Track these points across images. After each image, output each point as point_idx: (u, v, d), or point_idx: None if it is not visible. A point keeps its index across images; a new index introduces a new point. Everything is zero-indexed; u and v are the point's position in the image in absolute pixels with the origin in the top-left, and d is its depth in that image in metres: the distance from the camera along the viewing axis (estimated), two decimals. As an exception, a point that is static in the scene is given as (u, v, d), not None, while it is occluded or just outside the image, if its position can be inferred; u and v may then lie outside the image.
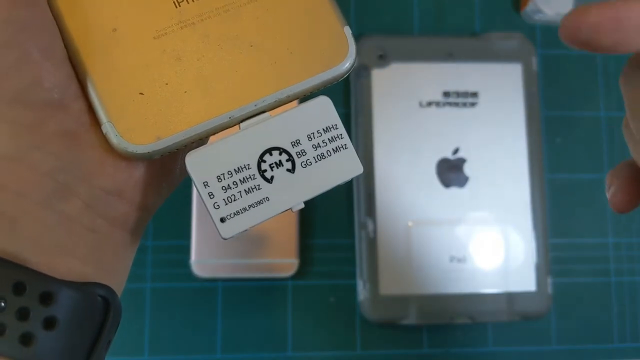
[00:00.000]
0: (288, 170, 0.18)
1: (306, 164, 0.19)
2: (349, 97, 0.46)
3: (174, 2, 0.19)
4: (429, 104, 0.45)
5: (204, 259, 0.43)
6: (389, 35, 0.46)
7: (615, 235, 0.47)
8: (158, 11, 0.18)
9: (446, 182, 0.45)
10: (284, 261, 0.44)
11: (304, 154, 0.19)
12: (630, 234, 0.47)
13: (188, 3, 0.19)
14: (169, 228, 0.44)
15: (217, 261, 0.43)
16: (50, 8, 0.18)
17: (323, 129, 0.19)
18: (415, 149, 0.45)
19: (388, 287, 0.43)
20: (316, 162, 0.19)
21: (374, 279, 0.43)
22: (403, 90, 0.45)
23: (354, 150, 0.19)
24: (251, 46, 0.19)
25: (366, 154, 0.45)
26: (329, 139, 0.19)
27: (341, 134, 0.19)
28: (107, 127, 0.17)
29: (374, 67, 0.45)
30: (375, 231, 0.44)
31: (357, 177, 0.45)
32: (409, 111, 0.45)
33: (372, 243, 0.44)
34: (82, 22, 0.18)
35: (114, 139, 0.17)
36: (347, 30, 0.19)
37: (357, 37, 0.46)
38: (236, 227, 0.18)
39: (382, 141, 0.45)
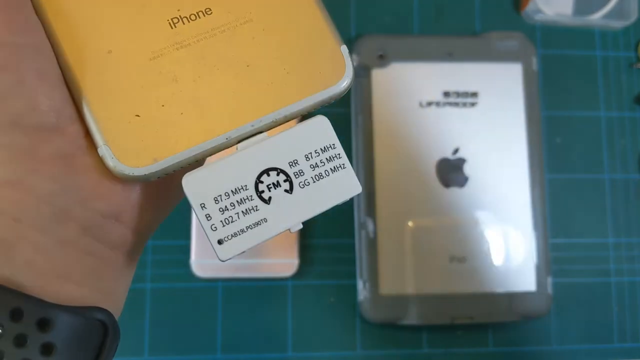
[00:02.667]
0: (286, 190, 0.18)
1: (304, 184, 0.18)
2: (349, 97, 0.46)
3: (169, 23, 0.18)
4: (429, 104, 0.45)
5: (204, 259, 0.43)
6: (389, 35, 0.46)
7: (615, 235, 0.47)
8: (153, 32, 0.18)
9: (446, 182, 0.45)
10: (284, 261, 0.44)
11: (302, 174, 0.18)
12: (630, 234, 0.47)
13: (184, 24, 0.18)
14: (169, 228, 0.44)
15: (217, 261, 0.43)
16: (46, 31, 0.18)
17: (321, 149, 0.19)
18: (415, 149, 0.45)
19: (388, 287, 0.43)
20: (314, 182, 0.19)
21: (374, 279, 0.43)
22: (403, 90, 0.45)
23: (352, 169, 0.19)
24: (247, 66, 0.18)
25: (366, 154, 0.45)
26: (326, 159, 0.19)
27: (339, 154, 0.19)
28: (103, 150, 0.17)
29: (374, 67, 0.45)
30: (375, 231, 0.44)
31: (357, 177, 0.45)
32: (409, 111, 0.45)
33: (372, 243, 0.44)
34: (78, 45, 0.18)
35: (110, 161, 0.17)
36: (344, 50, 0.19)
37: (357, 37, 0.46)
38: (234, 249, 0.18)
39: (382, 141, 0.45)
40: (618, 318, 0.46)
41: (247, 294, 0.44)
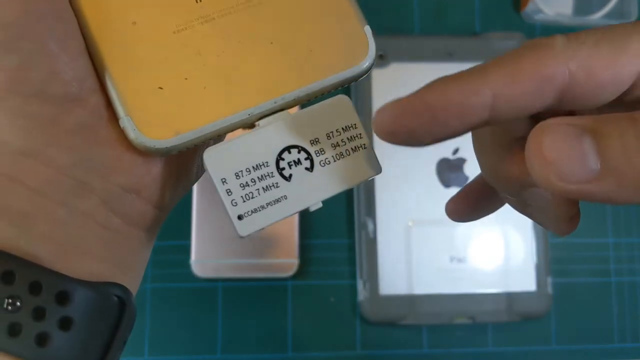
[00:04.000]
0: (307, 168, 0.18)
1: (325, 163, 0.18)
2: (349, 97, 0.46)
3: None
4: (429, 104, 0.45)
5: (204, 259, 0.43)
6: (389, 35, 0.46)
7: (615, 235, 0.47)
8: (178, 6, 0.18)
9: (446, 182, 0.45)
10: (284, 261, 0.44)
11: (323, 152, 0.18)
12: (630, 234, 0.47)
13: None
14: (169, 228, 0.44)
15: (217, 261, 0.43)
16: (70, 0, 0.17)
17: (342, 128, 0.19)
18: (415, 149, 0.45)
19: (388, 287, 0.43)
20: (335, 161, 0.18)
21: (374, 279, 0.43)
22: (403, 90, 0.45)
23: (373, 150, 0.19)
24: (271, 43, 0.18)
25: (366, 154, 0.45)
26: (348, 138, 0.19)
27: (360, 134, 0.19)
28: (125, 122, 0.17)
29: (374, 67, 0.45)
30: (375, 231, 0.44)
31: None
32: (409, 111, 0.45)
33: (372, 243, 0.44)
34: (102, 15, 0.18)
35: (131, 133, 0.17)
36: (367, 30, 0.19)
37: (357, 37, 0.46)
38: (253, 225, 0.18)
39: (382, 141, 0.45)
40: (618, 318, 0.46)
41: (247, 294, 0.44)
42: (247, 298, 0.44)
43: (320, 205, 0.18)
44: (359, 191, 0.45)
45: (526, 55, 0.16)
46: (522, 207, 0.21)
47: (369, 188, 0.44)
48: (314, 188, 0.18)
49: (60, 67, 0.16)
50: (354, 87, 0.45)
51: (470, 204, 0.23)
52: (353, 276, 0.45)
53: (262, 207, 0.18)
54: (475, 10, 0.49)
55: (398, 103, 0.17)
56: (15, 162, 0.16)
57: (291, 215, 0.18)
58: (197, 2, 0.18)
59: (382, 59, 0.46)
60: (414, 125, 0.16)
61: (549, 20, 0.48)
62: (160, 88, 0.17)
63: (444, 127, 0.16)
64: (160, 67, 0.18)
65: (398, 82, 0.45)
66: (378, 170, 0.19)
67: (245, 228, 0.17)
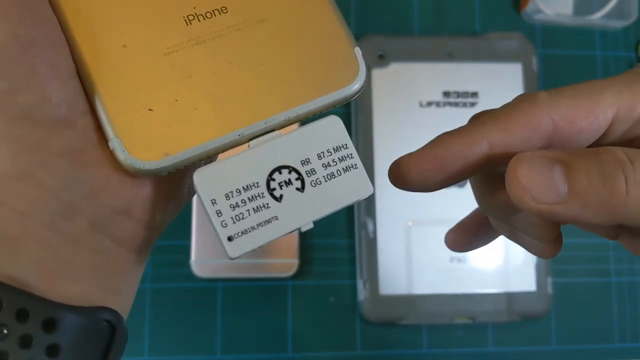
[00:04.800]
0: (297, 189, 0.18)
1: (316, 183, 0.18)
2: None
3: (185, 20, 0.18)
4: (429, 103, 0.45)
5: (204, 259, 0.43)
6: (389, 35, 0.46)
7: (615, 235, 0.47)
8: (169, 28, 0.18)
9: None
10: (284, 261, 0.44)
11: (314, 173, 0.18)
12: (630, 234, 0.47)
13: (199, 21, 0.18)
14: (169, 228, 0.44)
15: (217, 261, 0.43)
16: (60, 23, 0.18)
17: (333, 148, 0.19)
18: (415, 149, 0.45)
19: (388, 287, 0.43)
20: (326, 181, 0.18)
21: (373, 279, 0.43)
22: (403, 90, 0.45)
23: (364, 170, 0.19)
24: (262, 65, 0.18)
25: (366, 154, 0.45)
26: (339, 158, 0.19)
27: (351, 154, 0.19)
28: (114, 143, 0.17)
29: (374, 67, 0.45)
30: (375, 231, 0.44)
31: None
32: (409, 111, 0.45)
33: (372, 243, 0.44)
34: (92, 37, 0.18)
35: (121, 154, 0.17)
36: (358, 52, 0.19)
37: (357, 37, 0.46)
38: (244, 247, 0.17)
39: (382, 141, 0.45)
40: (618, 318, 0.46)
41: (247, 294, 0.44)
42: (247, 298, 0.44)
43: (312, 225, 0.18)
44: (359, 191, 0.45)
45: (515, 108, 0.19)
46: (512, 234, 0.24)
47: (369, 188, 0.44)
48: (305, 208, 0.18)
49: (50, 90, 0.16)
50: (354, 87, 0.45)
51: (468, 235, 0.26)
52: (353, 276, 0.45)
53: (253, 228, 0.18)
54: (475, 10, 0.49)
55: (411, 156, 0.20)
56: (3, 185, 0.16)
57: (282, 236, 0.18)
58: (187, 24, 0.18)
59: (382, 59, 0.46)
60: (426, 174, 0.19)
61: (549, 20, 0.48)
62: (150, 109, 0.17)
63: (450, 173, 0.19)
64: (150, 88, 0.18)
65: (398, 82, 0.45)
66: (369, 190, 0.19)
67: (235, 250, 0.17)
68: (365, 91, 0.45)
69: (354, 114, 0.45)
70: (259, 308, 0.44)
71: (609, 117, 0.18)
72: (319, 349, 0.44)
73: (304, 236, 0.45)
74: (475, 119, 0.20)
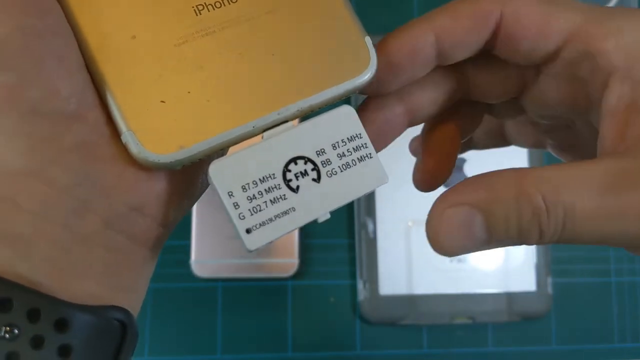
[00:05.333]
0: (314, 179, 0.18)
1: (332, 174, 0.18)
2: (349, 97, 0.46)
3: (194, 10, 0.18)
4: (429, 104, 0.45)
5: (204, 259, 0.43)
6: (389, 35, 0.46)
7: (615, 235, 0.47)
8: (178, 18, 0.18)
9: (446, 182, 0.45)
10: (284, 261, 0.44)
11: (329, 163, 0.18)
12: (630, 234, 0.47)
13: (209, 11, 0.18)
14: (169, 228, 0.44)
15: (217, 261, 0.43)
16: (66, 14, 0.17)
17: (347, 138, 0.19)
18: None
19: (388, 287, 0.43)
20: (341, 171, 0.18)
21: (373, 279, 0.43)
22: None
23: (379, 159, 0.19)
24: (273, 55, 0.18)
25: (366, 154, 0.45)
26: (353, 148, 0.19)
27: (365, 143, 0.19)
28: (127, 136, 0.17)
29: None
30: (375, 231, 0.44)
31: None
32: (409, 111, 0.45)
33: (372, 243, 0.44)
34: (100, 29, 0.17)
35: (134, 148, 0.16)
36: (368, 41, 0.19)
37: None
38: (262, 239, 0.17)
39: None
40: (618, 318, 0.46)
41: (247, 294, 0.44)
42: (247, 298, 0.44)
43: (329, 216, 0.18)
44: (359, 191, 0.45)
45: None
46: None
47: (369, 188, 0.44)
48: (322, 199, 0.18)
49: (58, 83, 0.16)
50: (354, 87, 0.45)
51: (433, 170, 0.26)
52: (353, 276, 0.45)
53: (270, 219, 0.17)
54: (475, 10, 0.49)
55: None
56: (15, 183, 0.16)
57: (299, 227, 0.18)
58: (197, 14, 0.18)
59: (382, 59, 0.46)
60: (380, 77, 0.19)
61: (549, 20, 0.48)
62: (163, 102, 0.17)
63: (400, 69, 0.19)
64: (161, 80, 0.17)
65: (398, 82, 0.45)
66: (385, 179, 0.19)
67: (253, 242, 0.17)
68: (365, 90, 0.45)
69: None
70: (259, 308, 0.44)
71: (565, 26, 0.18)
72: (319, 349, 0.44)
73: (304, 236, 0.45)
74: (426, 14, 0.20)
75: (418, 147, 0.25)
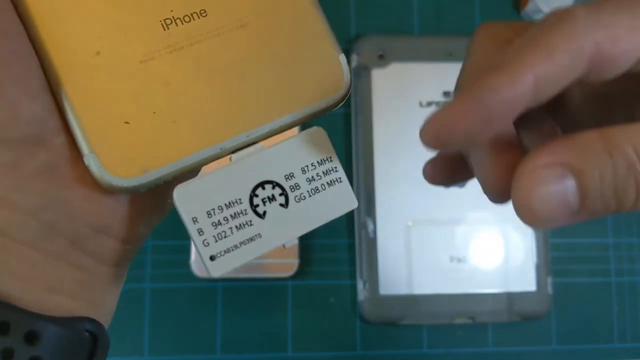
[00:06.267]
0: (281, 204, 0.18)
1: (300, 198, 0.18)
2: (349, 97, 0.46)
3: (162, 24, 0.17)
4: (429, 103, 0.45)
5: (204, 259, 0.43)
6: (389, 35, 0.46)
7: (615, 235, 0.47)
8: (145, 34, 0.17)
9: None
10: (284, 261, 0.44)
11: (298, 187, 0.18)
12: (630, 234, 0.47)
13: (177, 25, 0.17)
14: (169, 228, 0.44)
15: (217, 261, 0.43)
16: (29, 31, 0.16)
17: (317, 162, 0.18)
18: (415, 149, 0.45)
19: (388, 287, 0.43)
20: (310, 196, 0.18)
21: (373, 279, 0.43)
22: (403, 90, 0.45)
23: (348, 184, 0.18)
24: (243, 73, 0.17)
25: (366, 154, 0.45)
26: (323, 172, 0.18)
27: (335, 167, 0.18)
28: (89, 159, 0.16)
29: (374, 67, 0.45)
30: (375, 231, 0.44)
31: (357, 177, 0.45)
32: (409, 111, 0.45)
33: (372, 243, 0.44)
34: (64, 45, 0.16)
35: (96, 171, 0.16)
36: (342, 59, 0.18)
37: (357, 37, 0.46)
38: (226, 265, 0.17)
39: (382, 141, 0.45)
40: (618, 318, 0.46)
41: (247, 294, 0.44)
42: (247, 298, 0.44)
43: (296, 241, 0.18)
44: (358, 191, 0.45)
45: (554, 31, 0.15)
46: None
47: (369, 188, 0.44)
48: (289, 225, 0.18)
49: (19, 108, 0.15)
50: (353, 88, 0.45)
51: (447, 169, 0.23)
52: (353, 276, 0.45)
53: (236, 246, 0.17)
54: (475, 10, 0.49)
55: (452, 108, 0.16)
56: None
57: (265, 253, 0.18)
58: (164, 29, 0.17)
59: (382, 59, 0.46)
60: (471, 127, 0.16)
61: (549, 20, 0.48)
62: (127, 122, 0.16)
63: (499, 122, 0.16)
64: (126, 100, 0.16)
65: (398, 82, 0.45)
66: (354, 204, 0.18)
67: (217, 269, 0.17)
68: (365, 91, 0.45)
69: (354, 113, 0.45)
70: (259, 308, 0.44)
71: None
72: (319, 349, 0.44)
73: (304, 236, 0.45)
74: (512, 51, 0.16)
75: (431, 170, 0.23)
